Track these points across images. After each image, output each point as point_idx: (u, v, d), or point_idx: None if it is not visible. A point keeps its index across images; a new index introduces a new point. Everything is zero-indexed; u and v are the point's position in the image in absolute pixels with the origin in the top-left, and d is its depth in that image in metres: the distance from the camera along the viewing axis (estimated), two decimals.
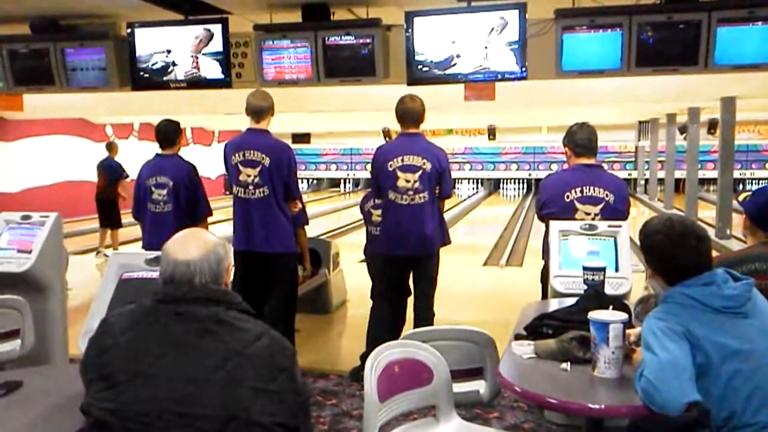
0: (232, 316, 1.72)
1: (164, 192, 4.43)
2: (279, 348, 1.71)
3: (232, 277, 4.41)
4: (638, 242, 2.19)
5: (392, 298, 4.32)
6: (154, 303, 1.74)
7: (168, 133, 4.58)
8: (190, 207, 4.51)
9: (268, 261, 4.15)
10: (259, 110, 4.15)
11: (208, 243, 1.81)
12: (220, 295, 1.76)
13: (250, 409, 1.60)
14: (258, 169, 4.09)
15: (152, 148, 4.71)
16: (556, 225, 3.63)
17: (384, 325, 4.23)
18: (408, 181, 4.08)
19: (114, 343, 1.68)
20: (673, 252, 2.06)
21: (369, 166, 4.54)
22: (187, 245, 1.79)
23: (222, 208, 7.55)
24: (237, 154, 4.14)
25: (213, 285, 1.77)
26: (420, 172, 4.07)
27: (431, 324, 4.02)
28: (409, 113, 4.14)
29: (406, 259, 4.19)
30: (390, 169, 4.11)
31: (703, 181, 16.87)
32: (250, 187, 4.11)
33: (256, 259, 4.15)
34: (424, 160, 4.09)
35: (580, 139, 3.86)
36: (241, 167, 4.12)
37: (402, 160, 4.10)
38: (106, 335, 1.71)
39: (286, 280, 4.30)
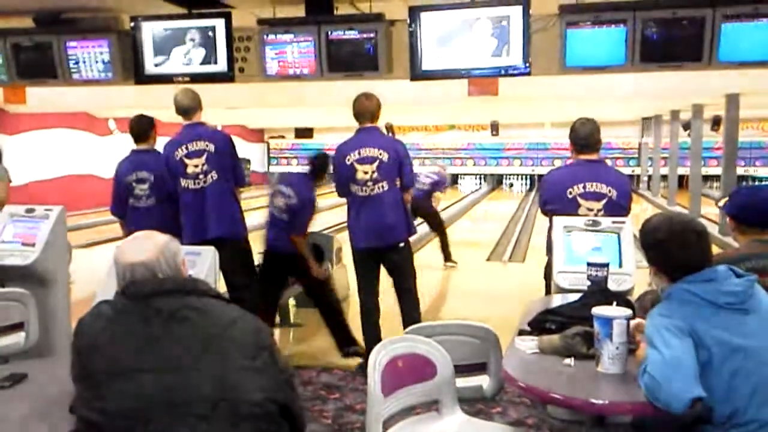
0: (204, 302, 1.73)
1: (145, 186, 4.44)
2: (257, 328, 1.75)
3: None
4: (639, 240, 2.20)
5: (374, 293, 4.35)
6: (125, 302, 1.72)
7: (143, 127, 4.57)
8: (175, 198, 4.52)
9: (221, 246, 4.14)
10: (189, 109, 4.26)
11: (159, 241, 1.81)
12: (190, 284, 1.78)
13: (239, 388, 1.62)
14: (204, 157, 4.18)
15: None
16: (559, 221, 3.62)
17: (373, 320, 4.28)
18: (366, 173, 4.15)
19: (91, 343, 1.67)
20: (673, 248, 2.07)
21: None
22: (139, 247, 1.79)
23: None
24: (180, 149, 4.21)
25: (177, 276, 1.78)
26: (377, 163, 4.14)
27: (419, 322, 4.01)
28: (364, 110, 4.23)
29: (371, 251, 4.23)
30: (348, 163, 4.19)
31: (707, 178, 16.79)
32: (201, 176, 4.19)
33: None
34: (381, 151, 4.15)
35: (581, 136, 3.87)
36: (186, 160, 4.20)
37: (359, 153, 4.18)
38: (83, 336, 1.70)
39: (240, 263, 4.30)
